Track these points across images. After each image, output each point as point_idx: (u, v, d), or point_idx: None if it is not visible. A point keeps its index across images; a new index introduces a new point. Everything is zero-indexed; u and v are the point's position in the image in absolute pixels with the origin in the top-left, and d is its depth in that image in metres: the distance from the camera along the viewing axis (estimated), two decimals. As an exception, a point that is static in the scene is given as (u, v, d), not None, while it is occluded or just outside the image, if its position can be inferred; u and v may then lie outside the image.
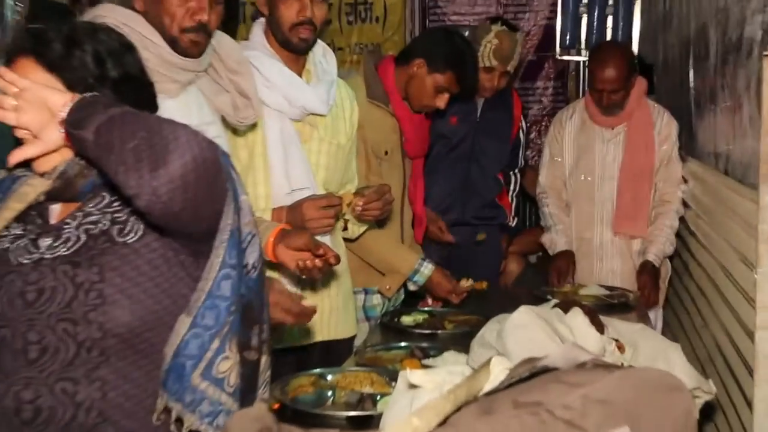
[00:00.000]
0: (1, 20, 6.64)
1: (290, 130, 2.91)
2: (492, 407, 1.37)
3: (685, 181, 4.12)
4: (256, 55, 2.88)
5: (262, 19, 2.98)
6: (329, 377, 2.55)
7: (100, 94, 1.73)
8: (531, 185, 4.70)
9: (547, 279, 4.18)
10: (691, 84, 4.18)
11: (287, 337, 2.92)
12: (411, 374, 1.98)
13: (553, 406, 1.34)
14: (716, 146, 3.72)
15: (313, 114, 2.96)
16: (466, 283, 3.49)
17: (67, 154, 1.78)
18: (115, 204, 1.83)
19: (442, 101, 3.50)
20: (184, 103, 2.41)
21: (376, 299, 3.54)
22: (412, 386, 1.98)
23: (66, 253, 1.78)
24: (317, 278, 2.74)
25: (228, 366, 1.81)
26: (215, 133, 2.49)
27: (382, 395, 2.37)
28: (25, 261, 1.78)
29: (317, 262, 2.49)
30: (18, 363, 1.72)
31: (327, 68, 3.01)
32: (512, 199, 4.47)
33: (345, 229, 3.09)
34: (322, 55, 3.01)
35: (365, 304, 3.49)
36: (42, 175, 1.81)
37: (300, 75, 2.94)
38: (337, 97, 3.04)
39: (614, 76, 4.02)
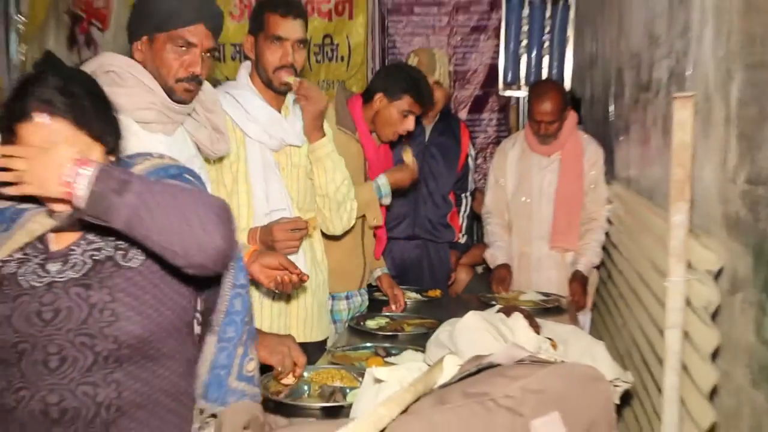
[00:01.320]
0: (8, 62, 6.62)
1: (270, 159, 2.92)
2: (445, 398, 1.40)
3: (610, 201, 4.16)
4: (242, 94, 2.89)
5: (248, 62, 2.98)
6: (305, 374, 2.58)
7: (107, 166, 1.68)
8: (478, 205, 4.74)
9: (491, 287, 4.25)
10: (611, 118, 4.26)
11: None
12: (376, 371, 2.03)
13: (497, 395, 1.37)
14: (629, 172, 3.79)
15: (289, 145, 2.97)
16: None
17: None
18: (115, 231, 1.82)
19: (410, 123, 3.53)
20: (177, 139, 2.42)
21: (342, 305, 3.55)
22: (377, 381, 2.04)
23: (76, 276, 1.78)
24: (290, 292, 2.79)
25: (254, 365, 1.95)
26: (200, 164, 2.51)
27: (351, 388, 2.41)
28: (37, 284, 1.77)
29: (293, 278, 2.55)
30: (40, 372, 1.73)
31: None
32: (462, 220, 4.45)
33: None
34: None
35: (332, 309, 3.48)
36: (51, 214, 1.77)
37: (279, 111, 2.94)
38: None
39: (551, 109, 4.06)
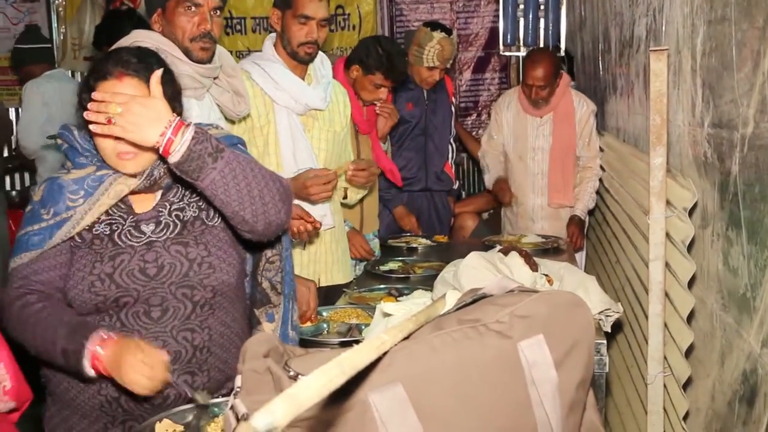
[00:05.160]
0: (51, 42, 6.67)
1: (296, 122, 2.94)
2: (441, 324, 1.41)
3: (602, 150, 4.19)
4: (269, 64, 2.91)
5: (272, 35, 2.99)
6: (324, 314, 2.65)
7: (202, 129, 1.72)
8: (477, 152, 4.81)
9: (497, 230, 4.30)
10: (600, 73, 4.25)
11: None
12: (384, 306, 2.11)
13: (488, 321, 1.37)
14: (617, 121, 3.80)
15: (314, 109, 2.99)
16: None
17: (153, 155, 1.80)
18: (194, 195, 1.90)
19: (382, 94, 3.60)
20: (205, 104, 2.45)
21: None
22: (386, 315, 2.11)
23: (172, 236, 1.85)
24: (307, 239, 2.84)
25: (297, 316, 2.09)
26: (226, 126, 2.54)
27: (366, 325, 2.47)
28: (135, 243, 1.82)
29: (308, 226, 2.62)
30: (143, 322, 1.80)
31: (324, 72, 3.03)
32: (452, 165, 4.50)
33: (345, 197, 3.12)
34: (320, 62, 3.03)
35: None
36: (134, 176, 1.82)
37: (303, 78, 2.96)
38: (332, 95, 3.07)
39: (542, 75, 4.10)
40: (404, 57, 3.73)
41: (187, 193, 1.91)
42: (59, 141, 1.90)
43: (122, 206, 1.86)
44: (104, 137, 1.75)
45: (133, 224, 1.85)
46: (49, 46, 5.22)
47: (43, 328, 1.74)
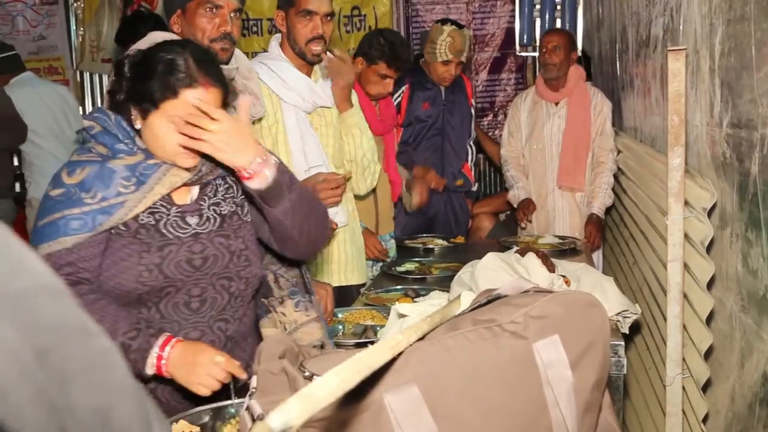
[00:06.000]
0: (69, 44, 6.72)
1: (304, 120, 2.94)
2: (456, 325, 1.41)
3: (619, 151, 4.15)
4: (276, 64, 2.90)
5: (278, 35, 2.99)
6: (340, 315, 2.66)
7: (280, 161, 1.79)
8: (497, 156, 4.79)
9: (513, 231, 4.29)
10: (617, 73, 4.22)
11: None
12: (399, 307, 2.11)
13: (503, 322, 1.37)
14: (634, 121, 3.78)
15: (321, 107, 2.99)
16: None
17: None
18: (230, 190, 1.95)
19: (388, 86, 3.62)
20: None
21: None
22: (401, 316, 2.11)
23: (215, 228, 1.89)
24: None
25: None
26: None
27: (381, 326, 2.47)
28: (182, 234, 1.84)
29: None
30: (182, 312, 1.84)
31: None
32: (471, 167, 4.48)
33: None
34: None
35: None
36: (188, 169, 1.84)
37: (309, 76, 2.96)
38: None
39: (556, 37, 4.20)
40: (407, 46, 3.77)
41: (221, 189, 1.95)
42: (89, 123, 1.86)
43: (165, 196, 1.86)
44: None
45: (179, 215, 1.86)
46: (15, 53, 5.20)
47: (99, 319, 1.69)
